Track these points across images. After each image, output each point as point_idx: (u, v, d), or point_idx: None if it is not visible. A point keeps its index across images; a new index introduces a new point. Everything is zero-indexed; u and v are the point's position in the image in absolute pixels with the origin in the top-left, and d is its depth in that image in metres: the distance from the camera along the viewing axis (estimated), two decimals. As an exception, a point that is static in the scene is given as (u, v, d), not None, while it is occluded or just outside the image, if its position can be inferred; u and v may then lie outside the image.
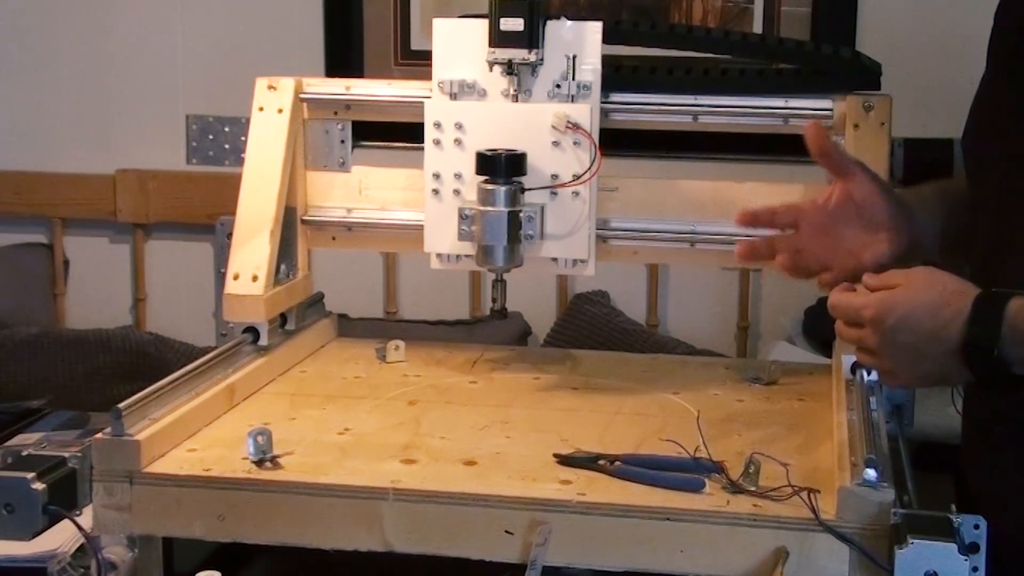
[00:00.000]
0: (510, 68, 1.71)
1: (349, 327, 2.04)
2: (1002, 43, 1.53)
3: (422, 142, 1.75)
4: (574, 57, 1.71)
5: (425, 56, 1.77)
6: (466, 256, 1.75)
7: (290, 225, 1.84)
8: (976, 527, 1.22)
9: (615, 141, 1.75)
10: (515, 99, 1.72)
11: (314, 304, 1.91)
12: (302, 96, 1.85)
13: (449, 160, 1.73)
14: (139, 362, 2.59)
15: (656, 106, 1.78)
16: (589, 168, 1.70)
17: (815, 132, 1.51)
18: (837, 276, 1.50)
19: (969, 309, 1.31)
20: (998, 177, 1.48)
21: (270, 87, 1.84)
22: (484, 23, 1.70)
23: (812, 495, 1.28)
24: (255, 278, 1.73)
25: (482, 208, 1.67)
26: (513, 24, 1.68)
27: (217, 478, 1.38)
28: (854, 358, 1.59)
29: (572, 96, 1.71)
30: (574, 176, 1.71)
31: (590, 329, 2.56)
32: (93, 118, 2.84)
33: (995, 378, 1.32)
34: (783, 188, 1.80)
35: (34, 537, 1.32)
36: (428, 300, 2.72)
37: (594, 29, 1.71)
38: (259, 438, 1.40)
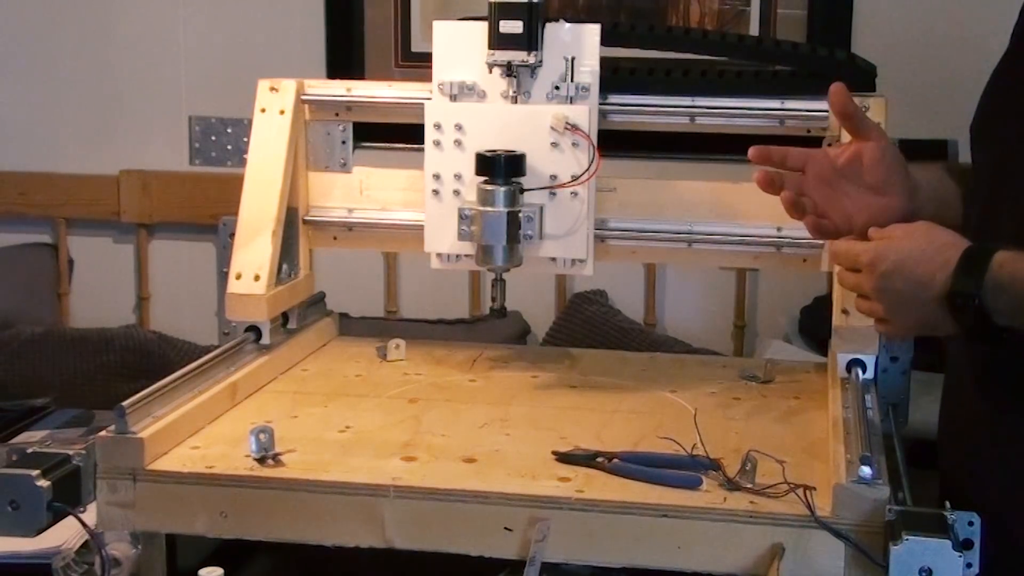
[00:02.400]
0: (509, 70, 1.71)
1: (350, 326, 2.04)
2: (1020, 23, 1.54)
3: (422, 143, 1.75)
4: (573, 59, 1.71)
5: (425, 58, 1.78)
6: (466, 256, 1.76)
7: (292, 225, 1.84)
8: (970, 523, 1.23)
9: (613, 142, 1.76)
10: (514, 101, 1.73)
11: (315, 303, 1.92)
12: (304, 97, 1.86)
13: (449, 161, 1.74)
14: (142, 361, 2.58)
15: (654, 107, 1.79)
16: (587, 169, 1.71)
17: (839, 92, 1.53)
18: (827, 227, 1.53)
19: (956, 260, 1.35)
20: (999, 152, 1.49)
21: (272, 89, 1.84)
22: (484, 26, 1.71)
23: (808, 492, 1.29)
24: (257, 278, 1.73)
25: (482, 208, 1.68)
26: (512, 27, 1.68)
27: (220, 475, 1.38)
28: (849, 357, 1.61)
29: (571, 98, 1.72)
30: (573, 177, 1.71)
31: (588, 328, 2.56)
32: (97, 119, 2.84)
33: (978, 327, 1.35)
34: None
35: (39, 534, 1.33)
36: (428, 299, 2.72)
37: (592, 31, 1.72)
38: (261, 436, 1.41)
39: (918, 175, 1.57)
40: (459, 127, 1.73)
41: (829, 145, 1.74)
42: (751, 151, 1.56)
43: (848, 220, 1.52)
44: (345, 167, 1.90)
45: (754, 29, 2.50)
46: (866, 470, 1.27)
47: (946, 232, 1.40)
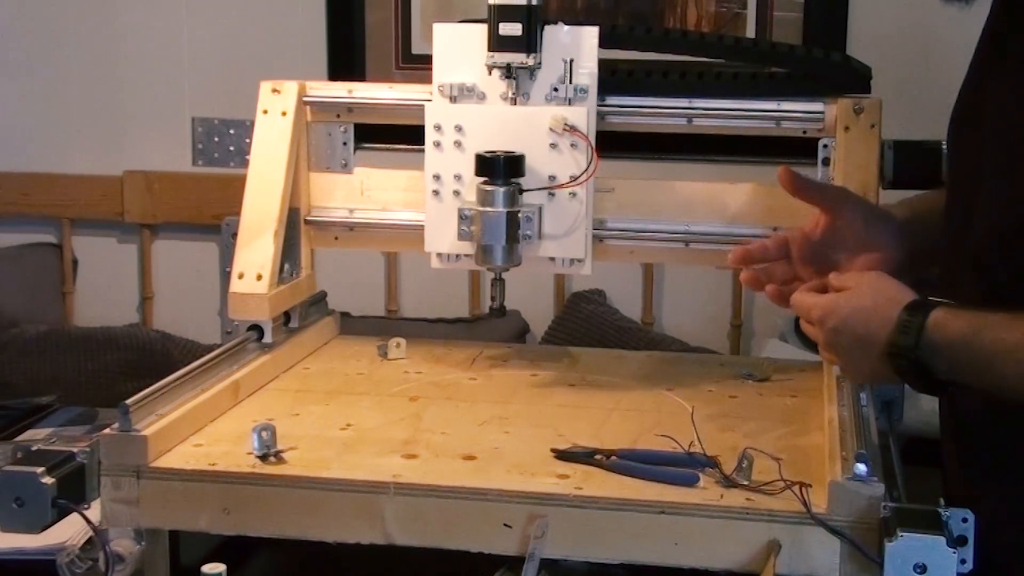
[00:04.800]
0: (509, 72, 1.72)
1: (351, 325, 2.05)
2: (987, 26, 1.55)
3: (423, 144, 1.76)
4: (571, 61, 1.72)
5: (426, 60, 1.78)
6: (466, 256, 1.77)
7: (293, 225, 1.85)
8: (964, 520, 1.24)
9: (611, 143, 1.76)
10: (513, 102, 1.73)
11: (317, 302, 1.93)
12: (305, 99, 1.86)
13: (449, 162, 1.75)
14: (146, 359, 2.58)
15: (651, 109, 1.80)
16: (586, 169, 1.71)
17: (785, 176, 1.58)
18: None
19: (895, 317, 1.37)
20: (972, 155, 1.50)
21: (274, 90, 1.85)
22: (483, 28, 1.71)
23: (804, 489, 1.29)
24: (259, 277, 1.74)
25: (481, 208, 1.69)
26: (512, 29, 1.69)
27: (222, 472, 1.39)
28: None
29: (569, 99, 1.73)
30: (571, 177, 1.72)
31: (587, 327, 2.56)
32: (101, 121, 2.85)
33: (921, 382, 1.38)
34: (777, 189, 1.79)
35: (43, 530, 1.34)
36: (428, 298, 2.73)
37: (591, 34, 1.72)
38: (263, 433, 1.41)
39: (909, 209, 1.60)
40: (459, 128, 1.74)
41: (825, 147, 1.76)
42: (731, 260, 1.60)
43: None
44: (346, 168, 1.90)
45: (750, 31, 2.50)
46: (861, 467, 1.28)
47: (892, 284, 1.43)
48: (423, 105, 1.77)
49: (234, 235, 1.79)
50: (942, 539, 1.20)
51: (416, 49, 2.66)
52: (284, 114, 1.84)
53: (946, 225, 1.54)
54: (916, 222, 1.61)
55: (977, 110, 1.48)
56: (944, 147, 1.71)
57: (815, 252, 1.59)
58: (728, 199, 1.82)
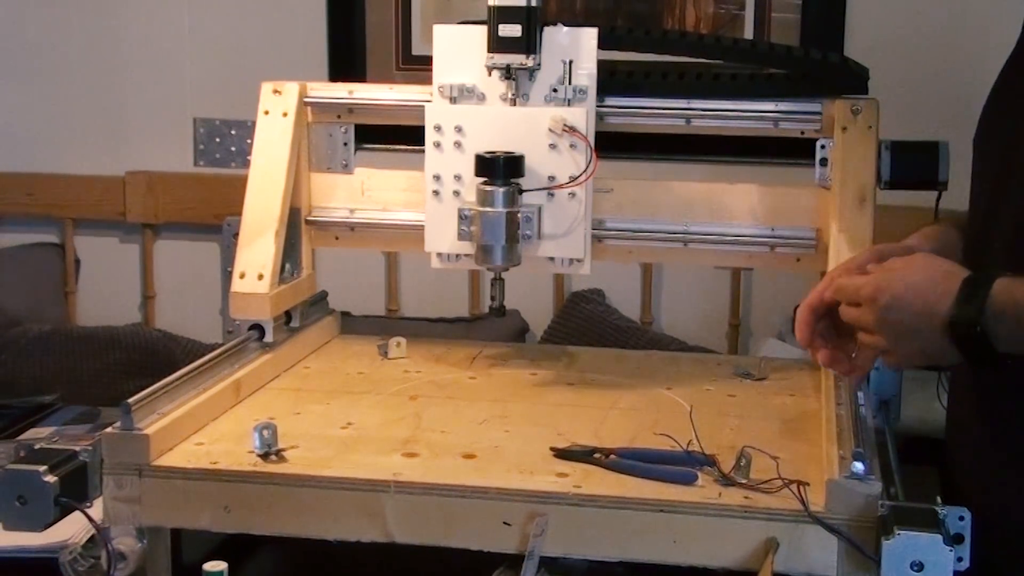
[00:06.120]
0: (508, 73, 1.72)
1: (352, 324, 2.05)
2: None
3: (423, 145, 1.77)
4: (570, 62, 1.73)
5: (426, 61, 1.79)
6: (465, 255, 1.77)
7: (294, 225, 1.86)
8: (961, 518, 1.25)
9: (610, 144, 1.77)
10: (513, 103, 1.74)
11: (318, 302, 1.93)
12: (306, 100, 1.87)
13: (449, 162, 1.75)
14: (148, 358, 2.58)
15: (650, 110, 1.80)
16: (585, 170, 1.72)
17: (801, 326, 1.52)
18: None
19: (957, 289, 1.35)
20: (998, 159, 1.51)
21: (275, 91, 1.86)
22: (483, 29, 1.72)
23: (801, 487, 1.30)
24: (261, 277, 1.74)
25: (481, 209, 1.69)
26: (511, 30, 1.70)
27: (224, 471, 1.40)
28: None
29: (568, 100, 1.73)
30: (570, 178, 1.72)
31: (586, 326, 2.56)
32: (103, 122, 2.85)
33: (981, 355, 1.35)
34: (775, 190, 1.83)
35: (46, 528, 1.34)
36: (429, 298, 2.73)
37: (590, 35, 1.73)
38: (264, 432, 1.42)
39: (924, 242, 1.57)
40: (459, 129, 1.75)
41: (823, 148, 1.76)
42: (802, 340, 1.52)
43: None
44: (347, 168, 1.90)
45: (748, 33, 2.50)
46: (859, 466, 1.28)
47: (945, 262, 1.41)
48: (423, 106, 1.77)
49: (235, 235, 1.79)
50: (939, 537, 1.21)
51: (416, 50, 2.66)
52: (285, 115, 1.84)
53: (971, 219, 1.55)
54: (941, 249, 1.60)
55: (1013, 104, 1.49)
56: (941, 147, 1.72)
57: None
58: (726, 199, 1.83)
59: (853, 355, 1.50)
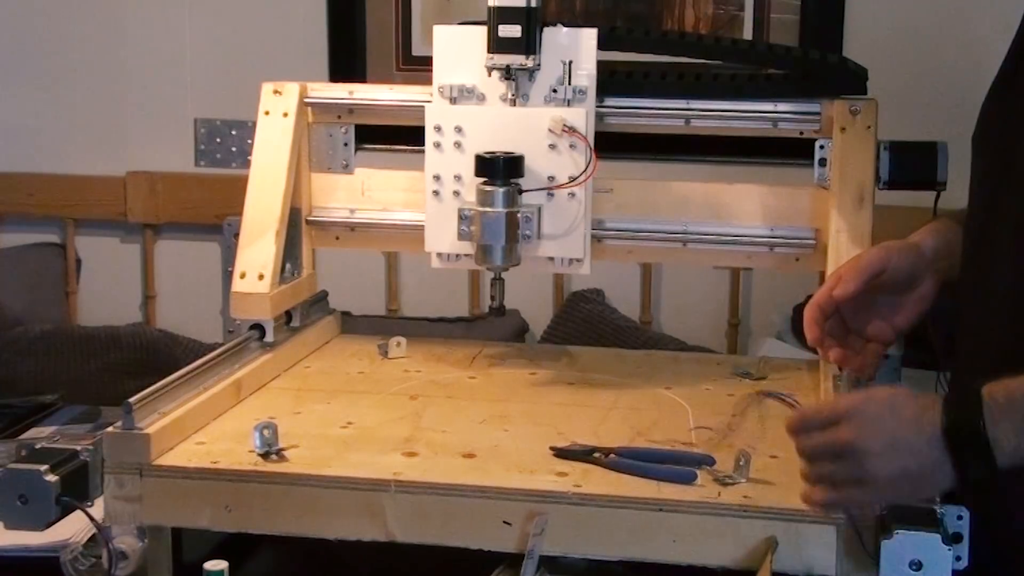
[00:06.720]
0: (508, 73, 1.73)
1: (352, 324, 2.06)
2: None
3: (423, 145, 1.77)
4: (570, 63, 1.73)
5: (426, 62, 1.79)
6: (465, 255, 1.77)
7: (295, 225, 1.86)
8: (959, 518, 1.25)
9: (610, 144, 1.77)
10: (513, 103, 1.74)
11: (318, 302, 1.94)
12: (307, 100, 1.87)
13: (449, 162, 1.75)
14: (149, 358, 2.58)
15: (649, 110, 1.81)
16: (584, 170, 1.72)
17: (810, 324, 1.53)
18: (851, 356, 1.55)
19: (940, 408, 1.24)
20: (997, 159, 1.50)
21: (276, 92, 1.86)
22: (483, 30, 1.72)
23: (858, 525, 1.27)
24: (261, 277, 1.75)
25: (481, 209, 1.69)
26: (511, 31, 1.70)
27: (224, 470, 1.40)
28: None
29: (568, 100, 1.73)
30: (570, 178, 1.73)
31: (586, 326, 2.56)
32: (104, 122, 2.85)
33: (978, 463, 1.22)
34: (774, 190, 1.83)
35: (47, 527, 1.35)
36: (429, 298, 2.73)
37: (589, 35, 1.73)
38: (265, 431, 1.43)
39: (929, 238, 1.58)
40: (459, 129, 1.75)
41: (822, 148, 1.77)
42: (812, 339, 1.52)
43: (890, 329, 1.56)
44: (347, 168, 1.91)
45: (748, 33, 2.50)
46: (857, 465, 1.28)
47: (911, 396, 1.28)
48: (423, 106, 1.78)
49: (236, 235, 1.80)
50: (937, 536, 1.21)
51: (416, 51, 2.66)
52: (286, 115, 1.85)
53: (970, 216, 1.54)
54: (939, 248, 1.59)
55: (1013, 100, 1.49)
56: (940, 147, 1.72)
57: (858, 303, 1.54)
58: (726, 199, 1.83)
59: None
